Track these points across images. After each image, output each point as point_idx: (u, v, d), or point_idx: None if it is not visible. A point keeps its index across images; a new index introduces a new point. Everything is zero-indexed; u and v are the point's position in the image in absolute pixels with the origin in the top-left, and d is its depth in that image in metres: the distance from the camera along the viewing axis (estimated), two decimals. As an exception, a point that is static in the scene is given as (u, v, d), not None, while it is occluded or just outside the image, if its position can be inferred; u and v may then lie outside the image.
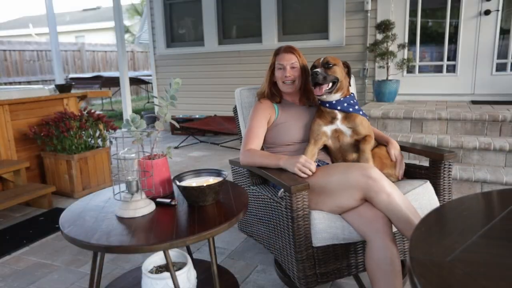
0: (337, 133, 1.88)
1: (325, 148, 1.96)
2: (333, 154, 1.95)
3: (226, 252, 2.30)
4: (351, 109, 1.87)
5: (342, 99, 1.88)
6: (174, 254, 1.64)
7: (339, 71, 1.86)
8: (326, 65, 1.85)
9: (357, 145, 1.88)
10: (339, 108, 1.87)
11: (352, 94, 1.95)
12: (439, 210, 1.13)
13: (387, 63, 4.43)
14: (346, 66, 1.92)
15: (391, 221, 1.54)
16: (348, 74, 1.93)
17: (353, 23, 4.81)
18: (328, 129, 1.88)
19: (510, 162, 3.11)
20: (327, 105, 1.88)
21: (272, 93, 2.01)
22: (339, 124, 1.87)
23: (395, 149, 1.92)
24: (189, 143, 5.39)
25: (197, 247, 2.39)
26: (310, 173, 1.68)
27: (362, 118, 1.88)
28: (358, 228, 1.58)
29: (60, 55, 6.02)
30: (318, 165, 1.88)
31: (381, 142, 2.02)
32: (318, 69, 1.82)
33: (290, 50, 1.96)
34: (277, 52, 1.99)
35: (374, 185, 1.52)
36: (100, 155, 3.47)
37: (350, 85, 1.98)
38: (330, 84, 1.84)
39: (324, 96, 1.86)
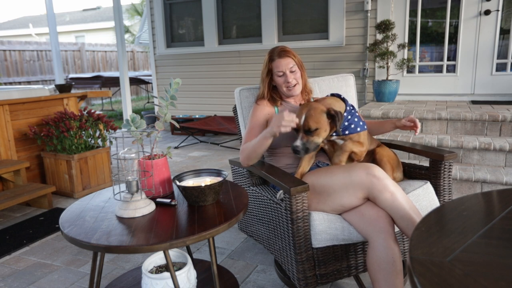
0: (331, 141, 1.86)
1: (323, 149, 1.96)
2: (330, 158, 1.95)
3: (226, 252, 2.30)
4: (347, 132, 1.77)
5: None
6: (174, 254, 1.64)
7: (322, 132, 1.70)
8: (308, 132, 1.68)
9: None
10: (334, 135, 1.78)
11: (348, 109, 1.78)
12: (439, 210, 1.13)
13: (387, 63, 4.43)
14: (330, 116, 1.69)
15: (393, 220, 1.54)
16: (334, 121, 1.70)
17: (353, 23, 4.81)
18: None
19: (510, 162, 3.11)
20: None
21: (272, 97, 2.00)
22: (333, 137, 1.82)
23: (407, 118, 1.92)
24: (189, 143, 5.39)
25: (197, 247, 2.39)
26: (293, 125, 1.63)
27: (358, 133, 1.81)
28: (360, 227, 1.58)
29: (60, 55, 6.02)
30: (318, 166, 1.88)
31: (386, 129, 2.04)
32: (298, 144, 1.67)
33: (285, 53, 1.92)
34: (272, 57, 1.94)
35: (378, 183, 1.53)
36: (100, 155, 3.47)
37: (336, 129, 1.71)
38: (315, 147, 1.72)
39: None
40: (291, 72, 1.92)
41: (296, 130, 1.73)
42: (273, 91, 2.01)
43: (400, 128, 1.97)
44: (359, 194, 1.57)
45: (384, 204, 1.53)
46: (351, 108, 1.83)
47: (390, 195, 1.52)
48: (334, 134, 1.79)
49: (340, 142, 1.83)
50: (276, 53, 1.94)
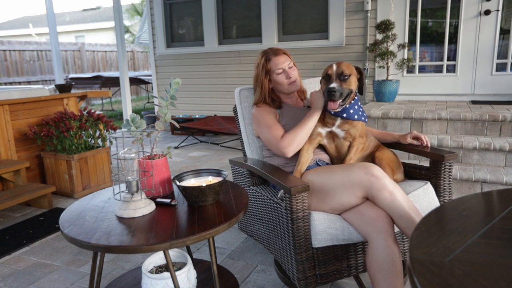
0: (331, 134, 1.87)
1: (324, 149, 1.96)
2: (330, 155, 1.95)
3: (226, 252, 2.30)
4: (356, 117, 1.79)
5: (348, 106, 1.80)
6: (174, 254, 1.64)
7: (353, 81, 1.76)
8: (342, 77, 1.73)
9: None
10: (344, 115, 1.79)
11: (356, 98, 1.84)
12: (439, 210, 1.13)
13: (387, 63, 4.43)
14: (359, 72, 1.80)
15: (393, 219, 1.54)
16: (361, 79, 1.81)
17: (353, 23, 4.81)
18: (323, 130, 1.86)
19: (510, 162, 3.10)
20: (332, 112, 1.80)
21: (272, 99, 1.99)
22: (334, 128, 1.84)
23: (411, 135, 2.02)
24: (189, 143, 5.39)
25: (197, 247, 2.39)
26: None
27: (360, 122, 1.84)
28: (360, 228, 1.58)
29: (60, 55, 6.02)
30: (318, 165, 1.88)
31: (386, 140, 2.08)
32: (334, 85, 1.70)
33: (281, 51, 1.96)
34: (268, 57, 1.95)
35: (377, 182, 1.53)
36: (100, 155, 3.47)
37: (361, 91, 1.85)
38: (344, 97, 1.75)
39: (338, 110, 1.77)
40: (289, 68, 1.95)
41: (327, 77, 1.77)
42: (272, 93, 2.01)
43: (405, 144, 2.03)
44: (358, 193, 1.57)
45: (383, 204, 1.53)
46: (358, 99, 1.87)
47: (389, 194, 1.52)
48: (344, 115, 1.80)
49: (340, 134, 1.84)
50: (272, 53, 1.96)
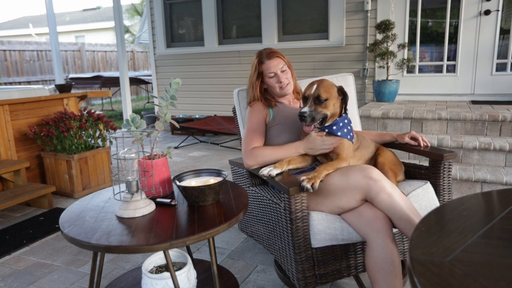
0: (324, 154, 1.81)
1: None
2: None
3: (226, 252, 2.30)
4: (339, 133, 1.75)
5: (331, 123, 1.76)
6: (174, 254, 1.64)
7: (331, 105, 1.71)
8: (317, 101, 1.69)
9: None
10: (326, 131, 1.77)
11: (344, 115, 1.80)
12: (439, 210, 1.13)
13: (387, 63, 4.43)
14: (342, 93, 1.75)
15: (392, 220, 1.54)
16: (344, 99, 1.76)
17: (353, 23, 4.81)
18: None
19: (510, 162, 3.10)
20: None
21: (266, 98, 1.99)
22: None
23: (409, 135, 2.01)
24: (189, 143, 5.39)
25: (197, 247, 2.39)
26: (333, 146, 1.73)
27: (345, 140, 1.77)
28: (359, 228, 1.58)
29: (60, 55, 6.02)
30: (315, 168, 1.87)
31: (385, 141, 2.06)
32: (306, 110, 1.67)
33: (274, 54, 1.94)
34: (261, 60, 1.94)
35: (375, 185, 1.53)
36: (100, 155, 3.47)
37: (345, 110, 1.80)
38: (320, 120, 1.71)
39: (313, 130, 1.74)
40: (282, 72, 1.93)
41: (305, 99, 1.74)
42: (265, 93, 2.01)
43: (402, 143, 2.02)
44: (356, 196, 1.57)
45: (381, 206, 1.53)
46: (346, 117, 1.80)
47: (387, 196, 1.52)
48: (326, 130, 1.75)
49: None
50: (265, 55, 1.94)
